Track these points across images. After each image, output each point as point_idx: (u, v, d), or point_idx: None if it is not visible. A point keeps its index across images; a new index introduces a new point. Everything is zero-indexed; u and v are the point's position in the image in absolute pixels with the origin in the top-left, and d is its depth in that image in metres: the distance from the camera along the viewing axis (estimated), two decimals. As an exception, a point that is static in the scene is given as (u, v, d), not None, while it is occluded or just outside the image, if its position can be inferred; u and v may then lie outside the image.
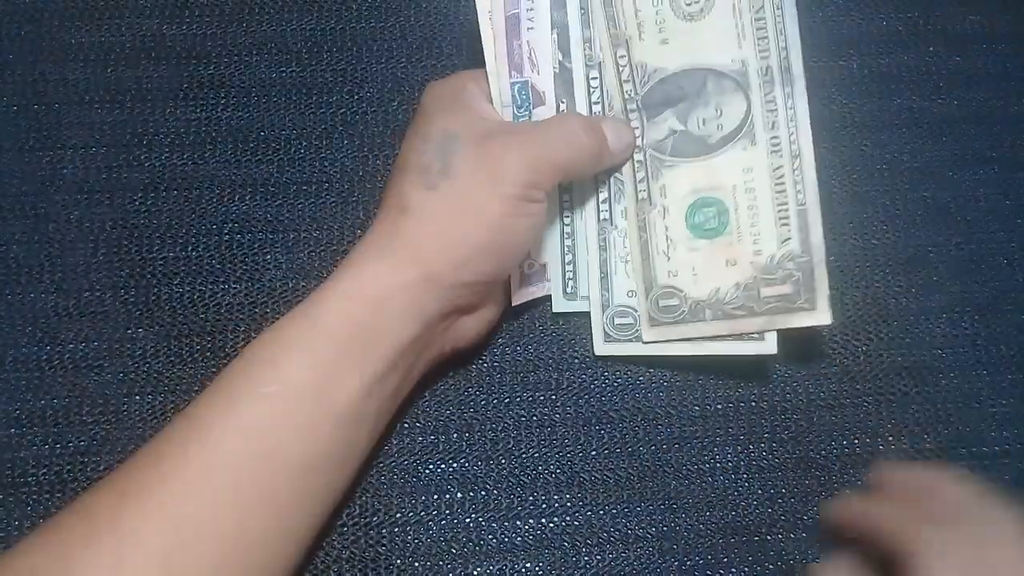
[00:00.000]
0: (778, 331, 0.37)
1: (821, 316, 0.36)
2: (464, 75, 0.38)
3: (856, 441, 0.39)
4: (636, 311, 0.38)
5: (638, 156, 0.37)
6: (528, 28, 0.37)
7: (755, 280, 0.37)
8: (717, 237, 0.37)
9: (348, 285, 0.33)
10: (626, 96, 0.36)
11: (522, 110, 0.38)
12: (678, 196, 0.37)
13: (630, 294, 0.38)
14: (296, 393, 0.32)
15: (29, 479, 0.37)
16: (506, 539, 0.37)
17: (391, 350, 0.34)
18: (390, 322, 0.33)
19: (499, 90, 0.38)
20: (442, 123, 0.35)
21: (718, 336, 0.37)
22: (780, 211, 0.36)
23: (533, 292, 0.40)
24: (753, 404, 0.40)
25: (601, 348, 0.39)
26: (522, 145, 0.34)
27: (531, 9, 0.37)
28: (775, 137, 0.36)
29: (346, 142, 0.44)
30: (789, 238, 0.36)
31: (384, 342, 0.33)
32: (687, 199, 0.37)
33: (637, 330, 0.38)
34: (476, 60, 0.46)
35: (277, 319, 0.40)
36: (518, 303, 0.39)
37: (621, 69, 0.36)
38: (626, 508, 0.38)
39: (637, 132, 0.37)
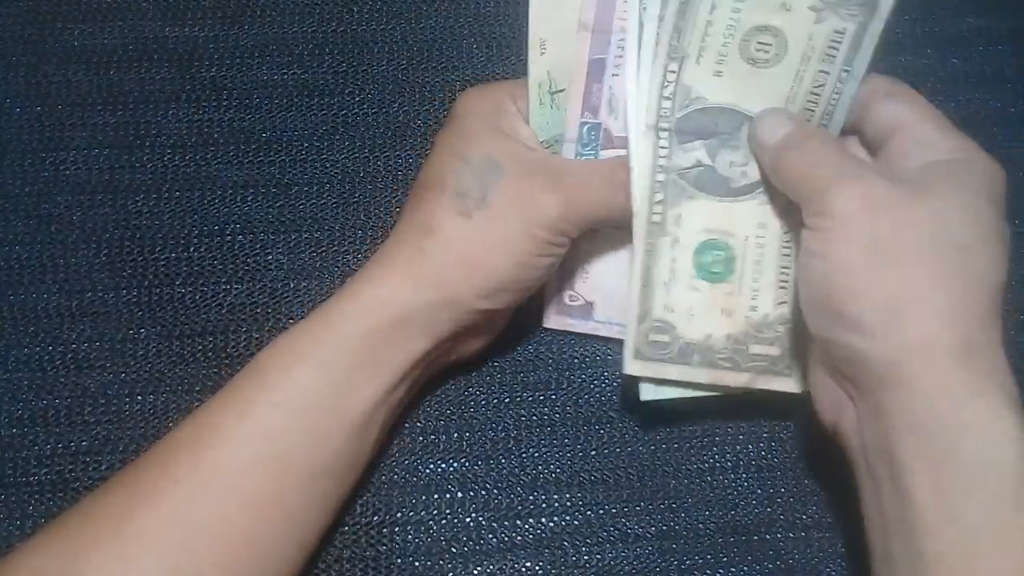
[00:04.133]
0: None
1: (794, 384, 0.37)
2: (502, 89, 0.37)
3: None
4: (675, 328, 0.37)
5: (659, 177, 0.36)
6: (612, 74, 0.36)
7: (746, 335, 0.36)
8: (719, 283, 0.36)
9: (367, 298, 0.33)
10: (662, 112, 0.35)
11: (588, 149, 0.37)
12: (692, 230, 0.36)
13: (667, 308, 0.37)
14: (309, 402, 0.32)
15: (31, 479, 0.38)
16: (506, 538, 0.38)
17: (403, 364, 0.34)
18: (404, 337, 0.34)
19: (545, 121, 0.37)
20: (485, 148, 0.35)
21: (699, 384, 0.37)
22: (782, 274, 0.36)
23: (572, 325, 0.40)
24: (753, 404, 0.40)
25: (632, 367, 0.37)
26: (562, 193, 0.34)
27: (620, 56, 0.36)
28: (791, 202, 0.35)
29: (347, 143, 0.44)
30: (785, 302, 0.36)
31: (397, 356, 0.34)
32: (699, 236, 0.36)
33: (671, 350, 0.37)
34: (477, 61, 0.47)
35: (279, 320, 0.41)
36: (551, 326, 0.40)
37: (667, 84, 0.35)
38: (626, 508, 0.38)
39: (664, 153, 0.36)
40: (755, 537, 0.38)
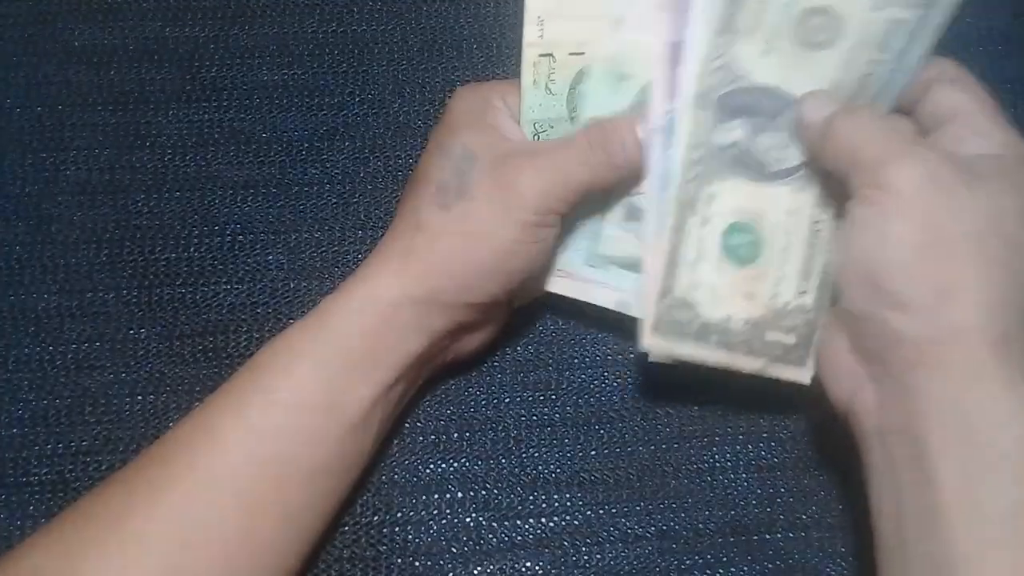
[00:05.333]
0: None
1: (804, 374, 0.36)
2: (494, 88, 0.37)
3: (856, 440, 0.39)
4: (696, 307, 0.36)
5: (696, 153, 0.35)
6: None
7: (764, 321, 0.36)
8: (745, 266, 0.36)
9: (360, 297, 0.34)
10: (707, 86, 0.35)
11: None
12: (722, 211, 0.36)
13: (691, 286, 0.36)
14: (306, 401, 0.32)
15: (32, 479, 0.38)
16: (506, 538, 0.38)
17: (399, 362, 0.34)
18: (399, 335, 0.34)
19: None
20: (463, 140, 0.35)
21: (714, 364, 0.36)
22: (807, 263, 0.36)
23: (568, 287, 0.39)
24: (753, 404, 0.40)
25: (651, 341, 0.36)
26: (537, 169, 0.34)
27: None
28: (825, 191, 0.35)
29: (347, 144, 0.44)
30: (806, 291, 0.36)
31: (393, 354, 0.34)
32: (729, 217, 0.36)
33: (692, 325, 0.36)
34: (477, 61, 0.47)
35: (280, 320, 0.41)
36: (550, 289, 0.39)
37: (715, 58, 0.34)
38: (626, 507, 0.38)
39: (704, 128, 0.35)
40: (755, 537, 0.38)
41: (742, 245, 0.36)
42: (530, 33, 0.36)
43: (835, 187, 0.35)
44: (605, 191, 0.37)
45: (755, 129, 0.35)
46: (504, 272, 0.34)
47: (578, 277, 0.38)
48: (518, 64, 0.36)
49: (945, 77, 0.34)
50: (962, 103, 0.33)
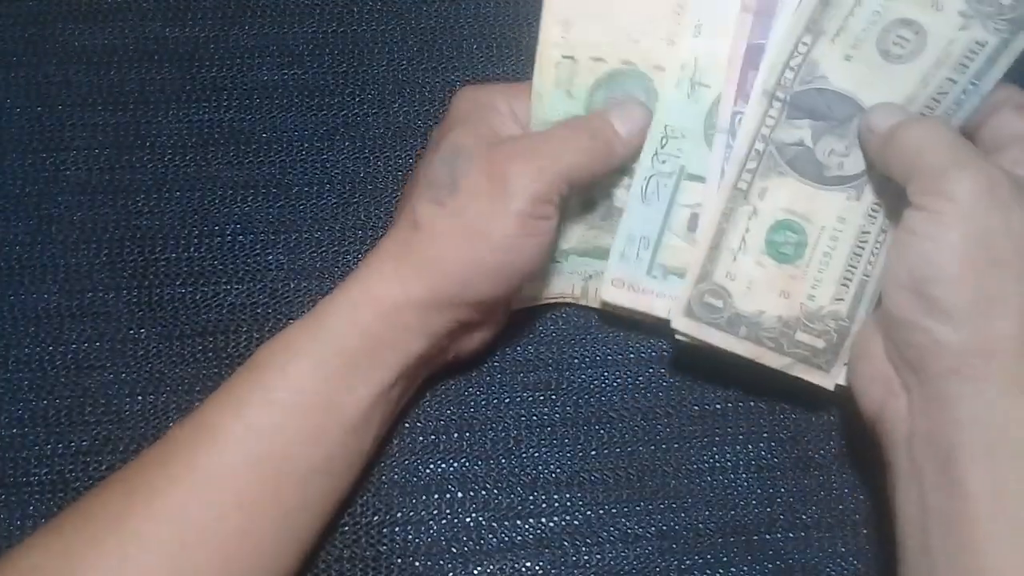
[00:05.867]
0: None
1: (829, 380, 0.37)
2: (497, 89, 0.37)
3: (855, 441, 0.39)
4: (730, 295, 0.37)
5: (758, 145, 0.35)
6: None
7: (797, 321, 0.36)
8: (785, 264, 0.36)
9: (358, 296, 0.33)
10: (782, 81, 0.35)
11: None
12: (773, 206, 0.36)
13: (728, 276, 0.36)
14: (305, 400, 0.32)
15: (32, 479, 0.38)
16: (506, 538, 0.38)
17: (398, 361, 0.34)
18: (398, 335, 0.34)
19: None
20: (456, 136, 0.35)
21: (741, 357, 0.37)
22: (847, 272, 0.36)
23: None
24: (752, 404, 0.40)
25: (680, 322, 0.36)
26: (526, 157, 0.34)
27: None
28: (877, 204, 0.35)
29: (347, 144, 0.44)
30: (842, 299, 0.36)
31: (392, 354, 0.34)
32: (778, 214, 0.36)
33: (722, 316, 0.37)
34: (477, 61, 0.47)
35: (279, 320, 0.41)
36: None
37: (796, 55, 0.34)
38: (626, 507, 0.38)
39: (770, 123, 0.35)
40: (755, 537, 0.38)
41: (787, 243, 0.36)
42: (553, 33, 0.36)
43: (891, 201, 0.35)
44: (596, 180, 0.37)
45: (820, 131, 0.35)
46: (501, 270, 0.34)
47: (638, 288, 0.38)
48: (522, 62, 0.36)
49: (1011, 103, 0.34)
50: (1023, 129, 0.33)
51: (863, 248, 0.36)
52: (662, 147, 0.37)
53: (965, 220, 0.30)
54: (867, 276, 0.36)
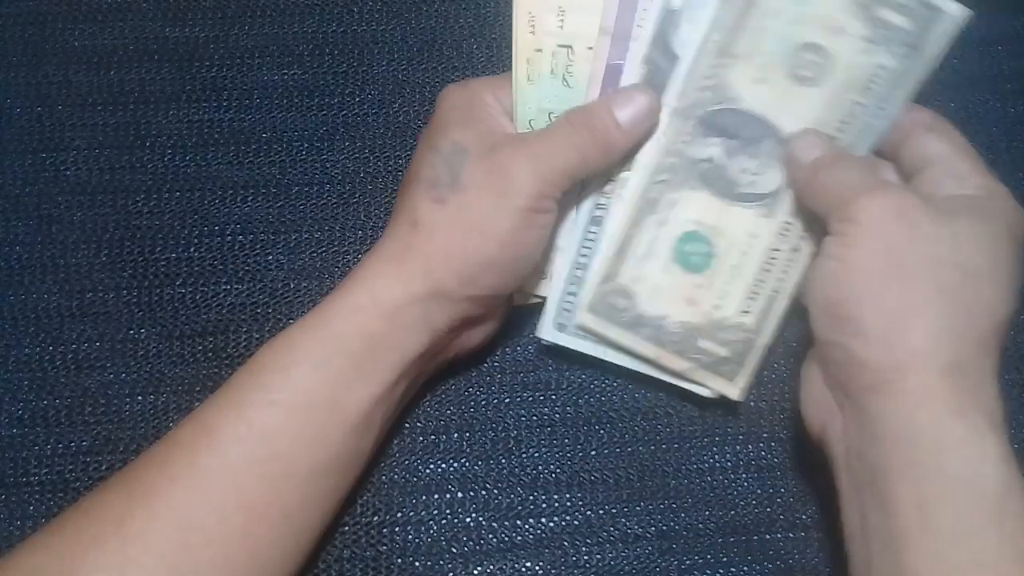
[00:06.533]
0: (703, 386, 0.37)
1: (733, 390, 0.37)
2: (482, 84, 0.37)
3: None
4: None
5: (671, 159, 0.36)
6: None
7: (700, 329, 0.37)
8: (693, 273, 0.37)
9: (360, 296, 0.33)
10: (696, 101, 0.35)
11: None
12: (682, 218, 0.36)
13: (634, 279, 0.37)
14: (307, 401, 0.32)
15: (32, 479, 0.38)
16: (506, 538, 0.38)
17: (401, 361, 0.34)
18: (401, 334, 0.34)
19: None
20: (453, 135, 0.35)
21: (642, 356, 0.37)
22: (756, 285, 0.36)
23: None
24: (752, 404, 0.40)
25: (583, 317, 0.37)
26: (529, 155, 0.34)
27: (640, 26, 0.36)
28: (789, 224, 0.36)
29: (347, 144, 0.44)
30: (749, 311, 0.37)
31: (394, 353, 0.34)
32: (688, 225, 0.36)
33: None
34: (477, 61, 0.47)
35: (279, 320, 0.41)
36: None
37: (709, 77, 0.35)
38: (626, 507, 0.38)
39: (682, 139, 0.36)
40: (755, 537, 0.38)
41: (695, 254, 0.37)
42: (549, 22, 0.36)
43: (804, 220, 0.36)
44: (598, 173, 0.37)
45: (733, 150, 0.36)
46: (503, 263, 0.34)
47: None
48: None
49: (923, 125, 0.35)
50: (940, 150, 0.34)
51: (773, 264, 0.36)
52: None
53: (870, 239, 0.31)
54: (776, 291, 0.36)
